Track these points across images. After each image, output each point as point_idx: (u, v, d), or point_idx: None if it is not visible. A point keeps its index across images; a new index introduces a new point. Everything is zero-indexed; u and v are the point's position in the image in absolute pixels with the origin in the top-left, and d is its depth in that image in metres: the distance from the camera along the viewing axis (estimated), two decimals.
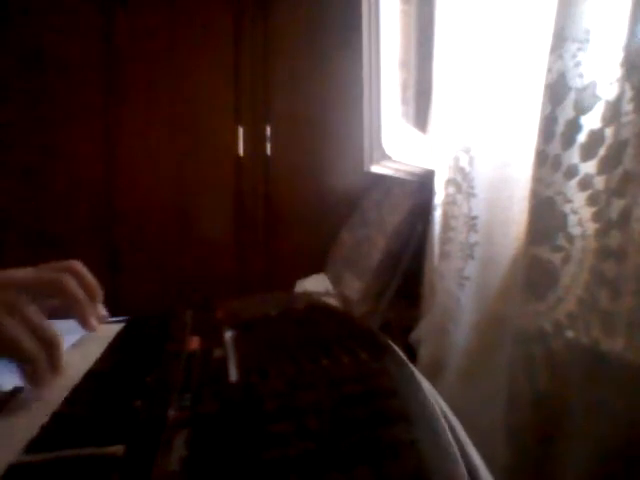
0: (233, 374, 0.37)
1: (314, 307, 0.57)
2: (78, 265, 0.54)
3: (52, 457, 0.29)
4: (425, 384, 0.32)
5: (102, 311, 0.55)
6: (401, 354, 0.37)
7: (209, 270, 1.53)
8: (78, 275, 0.53)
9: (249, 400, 0.32)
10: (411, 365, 0.35)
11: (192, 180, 1.53)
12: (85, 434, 0.32)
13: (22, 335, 0.45)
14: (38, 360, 0.46)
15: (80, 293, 0.51)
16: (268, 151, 1.52)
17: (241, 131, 1.52)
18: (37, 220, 1.52)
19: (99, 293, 0.54)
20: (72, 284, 0.51)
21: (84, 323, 0.51)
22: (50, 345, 0.47)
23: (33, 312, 0.45)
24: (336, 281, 1.30)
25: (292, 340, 0.43)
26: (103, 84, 1.51)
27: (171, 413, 0.31)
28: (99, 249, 1.54)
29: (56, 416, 0.35)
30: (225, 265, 1.53)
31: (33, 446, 0.31)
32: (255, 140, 1.52)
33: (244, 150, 1.52)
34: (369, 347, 0.37)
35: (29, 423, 0.34)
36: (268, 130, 1.52)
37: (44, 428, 0.33)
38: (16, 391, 0.46)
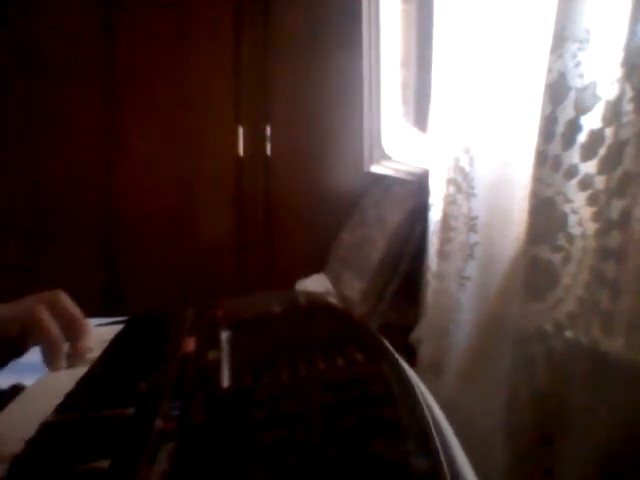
0: (226, 378, 0.36)
1: (314, 306, 0.56)
2: (60, 296, 0.53)
3: (38, 474, 0.29)
4: (420, 387, 0.32)
5: (86, 343, 0.53)
6: (396, 356, 0.36)
7: (209, 270, 1.53)
8: (58, 307, 0.52)
9: (238, 408, 0.31)
10: (406, 367, 0.35)
11: (192, 180, 1.53)
12: (73, 447, 0.31)
13: (49, 320, 0.50)
14: (57, 343, 0.49)
15: (52, 328, 0.50)
16: (268, 151, 1.52)
17: (241, 131, 1.52)
18: (37, 220, 1.51)
19: (82, 325, 0.53)
20: (45, 318, 0.50)
21: (48, 362, 0.49)
22: (76, 332, 0.52)
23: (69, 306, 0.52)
24: (336, 281, 1.30)
25: (290, 341, 0.43)
26: (103, 84, 1.51)
27: (159, 423, 0.31)
28: (99, 249, 1.53)
29: (45, 427, 0.34)
30: (225, 265, 1.53)
31: (19, 462, 0.30)
32: (255, 140, 1.52)
33: (244, 150, 1.52)
34: (365, 349, 0.37)
35: (18, 432, 0.33)
36: (268, 130, 1.52)
37: (31, 441, 0.32)
38: (15, 388, 0.46)
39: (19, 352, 0.52)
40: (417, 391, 0.31)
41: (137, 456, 0.28)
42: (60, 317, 0.52)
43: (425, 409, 0.28)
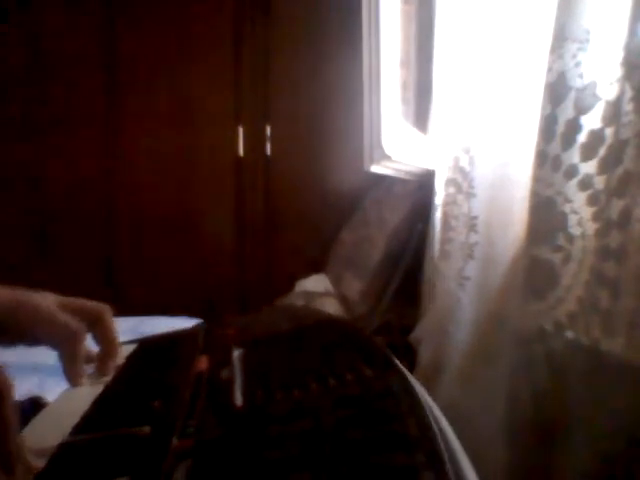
0: (239, 395, 0.37)
1: (323, 323, 0.57)
2: (106, 313, 0.53)
3: None
4: (427, 400, 0.32)
5: (114, 364, 0.51)
6: (404, 370, 0.37)
7: (209, 270, 1.53)
8: (101, 326, 0.51)
9: (251, 425, 0.32)
10: (413, 380, 0.35)
11: (192, 180, 1.53)
12: (91, 466, 0.32)
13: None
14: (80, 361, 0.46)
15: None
16: (268, 151, 1.52)
17: (241, 131, 1.52)
18: (37, 220, 1.52)
19: (117, 346, 0.52)
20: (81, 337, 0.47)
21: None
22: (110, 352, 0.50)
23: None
24: (336, 281, 1.30)
25: (300, 358, 0.44)
26: (103, 84, 1.51)
27: (175, 441, 0.32)
28: (99, 249, 1.54)
29: (62, 446, 0.35)
30: (225, 265, 1.53)
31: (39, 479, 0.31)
32: (255, 140, 1.52)
33: (244, 150, 1.52)
34: (373, 364, 0.38)
35: (37, 452, 0.34)
36: (268, 130, 1.52)
37: (50, 460, 0.33)
38: (33, 401, 0.46)
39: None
40: (424, 405, 0.31)
41: (155, 474, 0.28)
42: (101, 336, 0.51)
43: (433, 423, 0.29)
